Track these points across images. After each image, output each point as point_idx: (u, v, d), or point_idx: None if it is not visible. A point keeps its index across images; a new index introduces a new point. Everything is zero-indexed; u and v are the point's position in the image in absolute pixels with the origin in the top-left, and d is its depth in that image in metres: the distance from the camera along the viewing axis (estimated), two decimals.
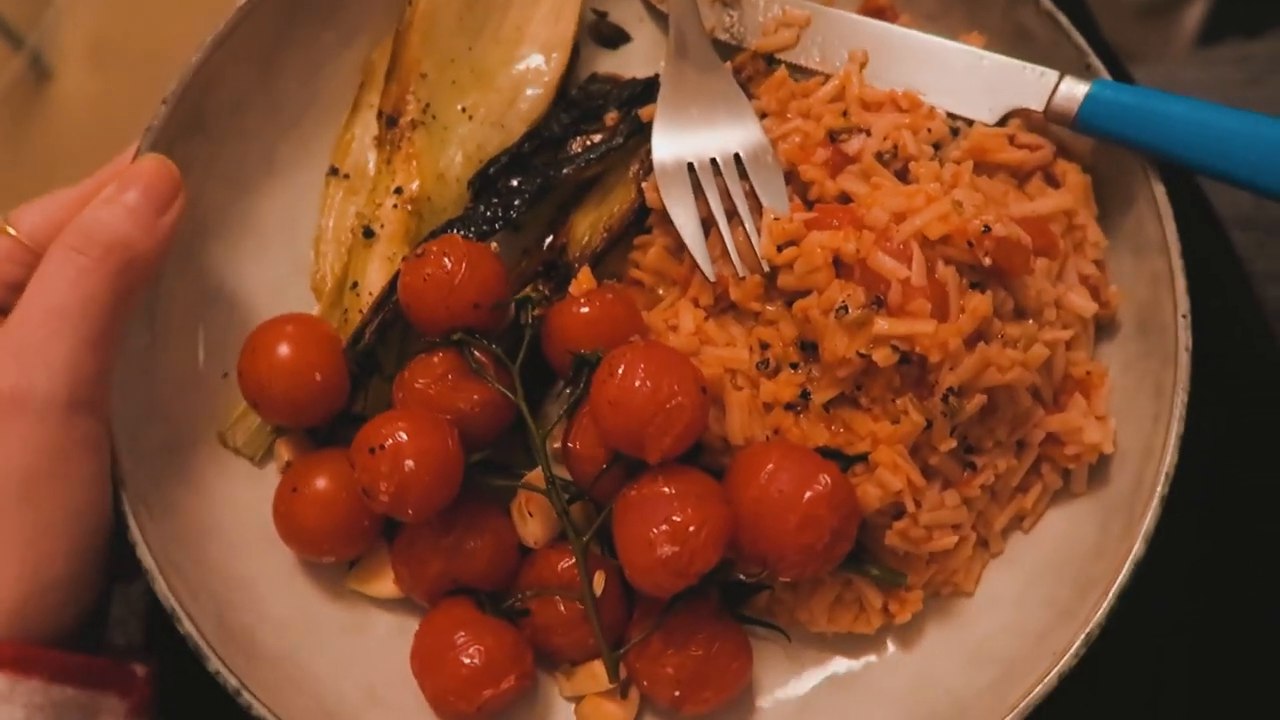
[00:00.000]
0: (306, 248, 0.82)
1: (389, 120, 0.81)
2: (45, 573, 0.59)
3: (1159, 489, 0.66)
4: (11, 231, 0.69)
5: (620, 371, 0.64)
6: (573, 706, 0.73)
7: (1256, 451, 0.86)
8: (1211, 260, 0.91)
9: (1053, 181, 0.76)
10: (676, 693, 0.68)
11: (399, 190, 0.80)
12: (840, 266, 0.69)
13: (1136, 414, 0.72)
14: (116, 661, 0.62)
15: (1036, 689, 0.64)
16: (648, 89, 0.82)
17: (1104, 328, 0.76)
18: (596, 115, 0.83)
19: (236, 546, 0.73)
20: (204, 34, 0.75)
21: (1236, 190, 0.70)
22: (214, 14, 0.77)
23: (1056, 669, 0.64)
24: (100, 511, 0.64)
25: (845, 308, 0.66)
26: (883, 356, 0.65)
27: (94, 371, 0.64)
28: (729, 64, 0.81)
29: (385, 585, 0.74)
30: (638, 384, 0.64)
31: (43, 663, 0.58)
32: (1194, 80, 1.15)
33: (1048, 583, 0.72)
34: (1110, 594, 0.65)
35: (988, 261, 0.65)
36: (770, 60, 0.82)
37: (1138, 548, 0.66)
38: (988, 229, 0.65)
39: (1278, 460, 0.86)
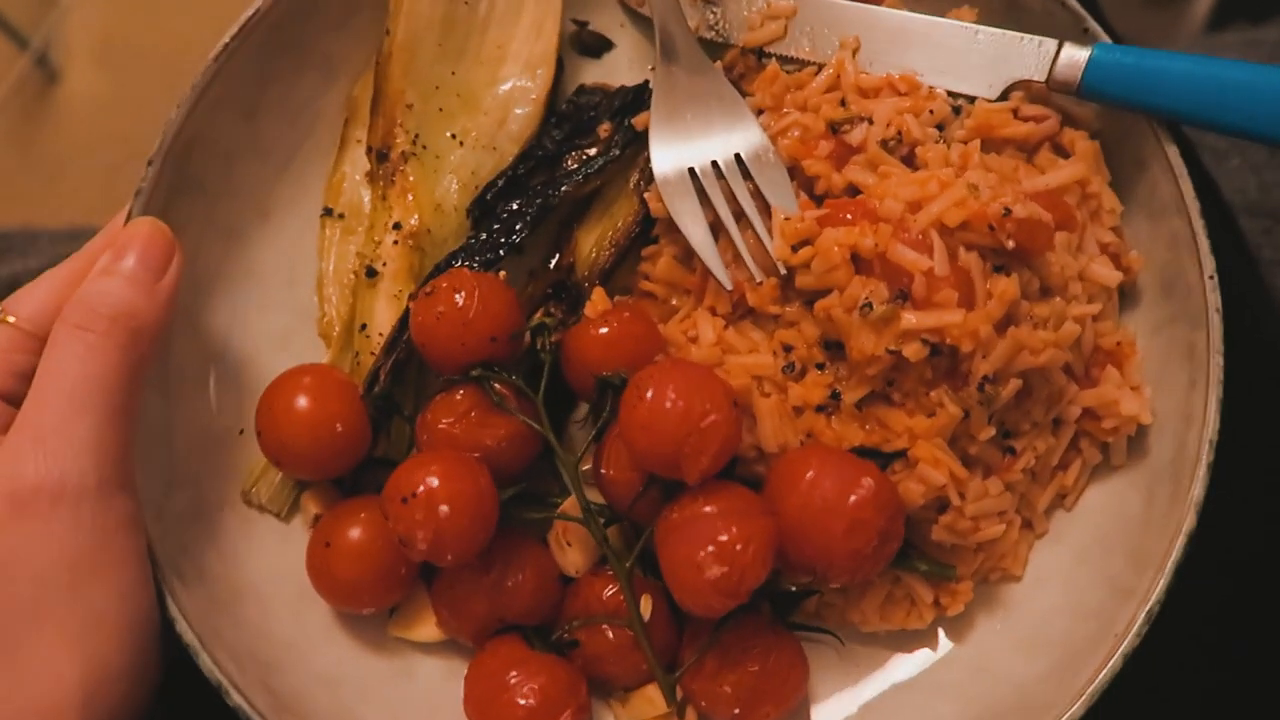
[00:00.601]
0: (309, 293, 0.80)
1: (379, 155, 0.80)
2: (105, 666, 0.58)
3: (1204, 457, 0.66)
4: (11, 319, 0.67)
5: (650, 394, 0.63)
6: None
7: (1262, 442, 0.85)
8: (1219, 247, 0.90)
9: (1061, 151, 0.74)
10: (736, 711, 0.67)
11: (398, 225, 0.78)
12: (859, 262, 0.67)
13: (1170, 380, 0.71)
14: None
15: (1102, 673, 0.63)
16: (638, 96, 0.81)
17: (1127, 294, 0.75)
18: (589, 128, 0.81)
19: (273, 607, 0.72)
20: (199, 58, 0.73)
21: (1243, 177, 0.69)
22: (221, 15, 0.76)
23: (1121, 650, 0.63)
24: (148, 590, 0.63)
25: (869, 304, 0.65)
26: (913, 351, 0.64)
27: (119, 447, 0.62)
28: (718, 63, 0.79)
29: (428, 629, 0.73)
30: (669, 405, 0.63)
31: None
32: None
33: (1096, 559, 0.71)
34: (1167, 569, 0.64)
35: (1011, 244, 0.64)
36: (760, 55, 0.80)
37: (1189, 518, 0.65)
38: (1008, 211, 0.63)
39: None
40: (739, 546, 0.62)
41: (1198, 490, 0.65)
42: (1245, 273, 0.90)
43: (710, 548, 0.62)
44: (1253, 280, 0.91)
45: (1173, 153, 0.71)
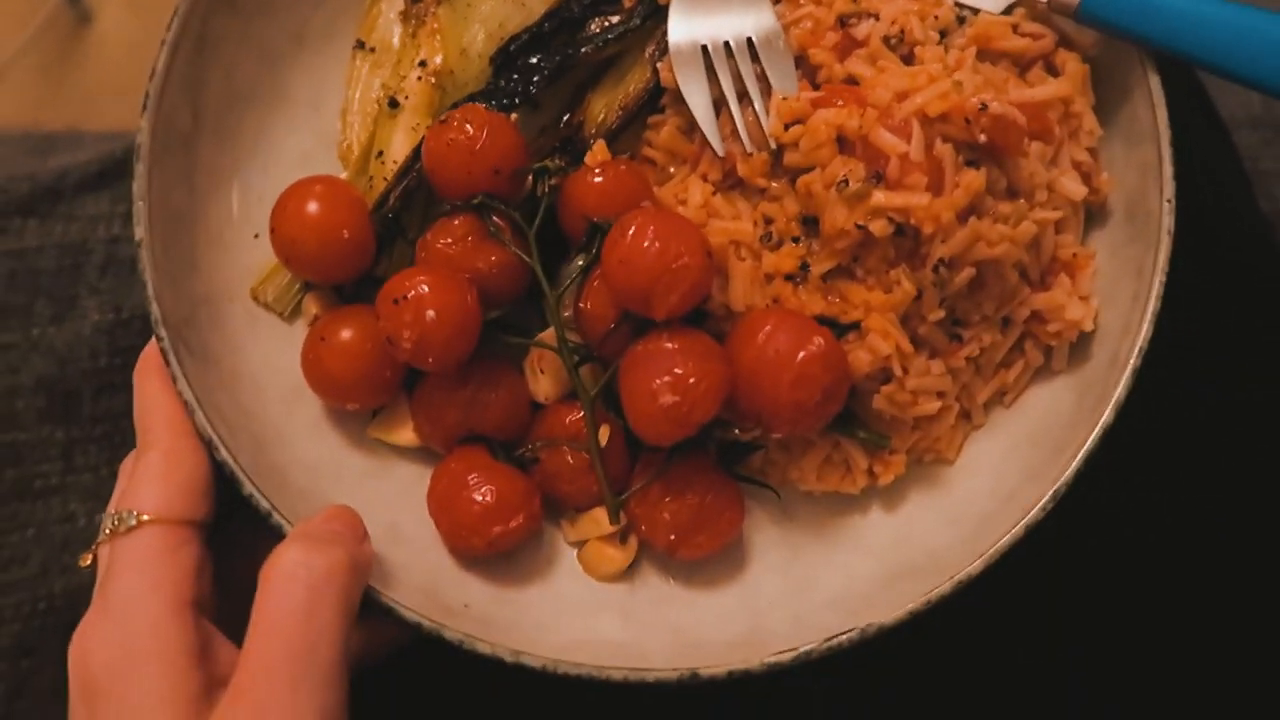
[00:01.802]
0: (334, 120, 0.85)
1: None
2: None
3: (1132, 360, 0.71)
4: (146, 517, 0.63)
5: (631, 232, 0.69)
6: (575, 551, 0.78)
7: (1237, 357, 0.90)
8: (1214, 163, 0.94)
9: (1053, 71, 0.78)
10: (672, 536, 0.73)
11: (423, 64, 0.83)
12: (844, 144, 0.72)
13: (1118, 296, 0.75)
14: None
15: (1003, 539, 0.69)
16: None
17: (1095, 216, 0.80)
18: None
19: (268, 395, 0.78)
20: None
21: (1248, 90, 0.73)
22: None
23: (1024, 520, 0.69)
24: None
25: (846, 181, 0.70)
26: (879, 227, 0.69)
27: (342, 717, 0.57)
28: None
29: (405, 434, 0.79)
30: (647, 244, 0.68)
31: None
32: None
33: (1024, 452, 0.76)
34: (1079, 456, 0.70)
35: (983, 138, 0.69)
36: None
37: (1108, 415, 0.70)
38: (984, 107, 0.68)
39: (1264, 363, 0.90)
40: (692, 380, 0.68)
41: (1120, 391, 0.70)
42: (1240, 186, 0.93)
43: (666, 378, 0.68)
44: (1246, 196, 0.94)
45: (1155, 82, 0.75)
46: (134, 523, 0.63)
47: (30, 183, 0.96)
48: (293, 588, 0.58)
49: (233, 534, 0.69)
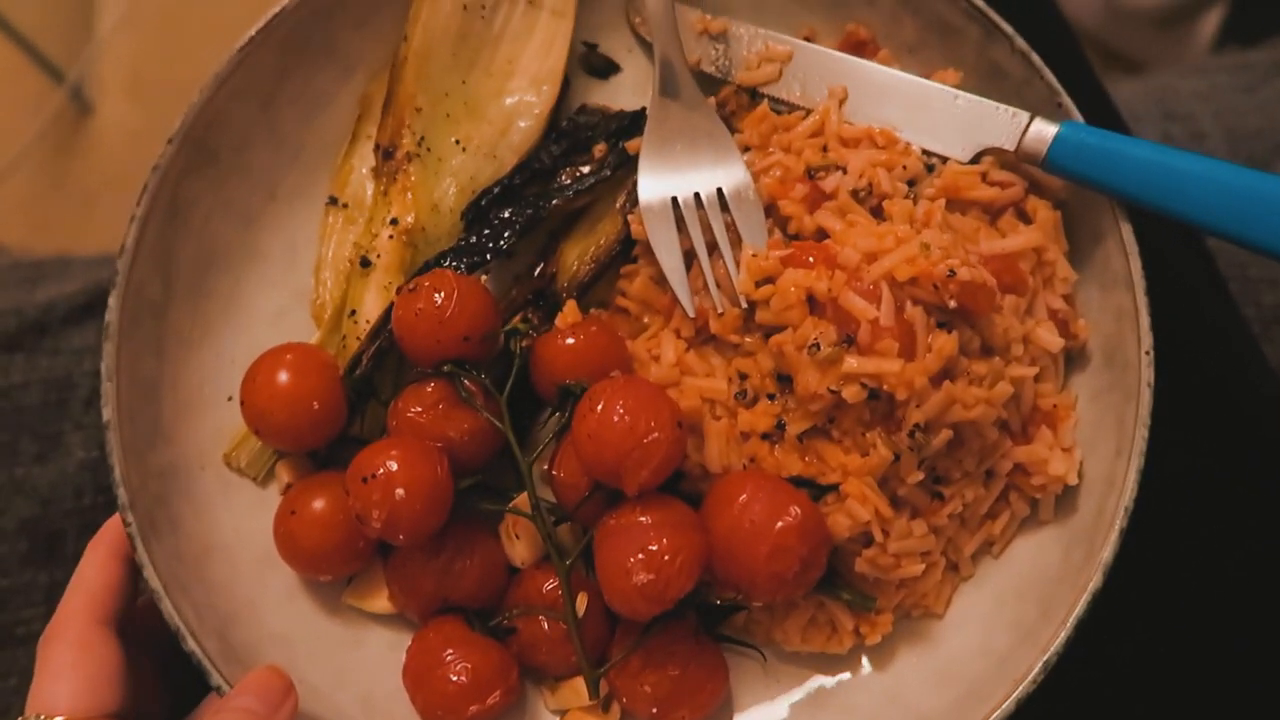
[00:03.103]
0: (307, 275, 0.85)
1: (385, 153, 0.84)
2: None
3: (1118, 523, 0.69)
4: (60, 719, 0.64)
5: (600, 407, 0.68)
6: (557, 719, 0.76)
7: (1233, 471, 0.88)
8: (1200, 293, 0.93)
9: (1024, 217, 0.78)
10: (654, 709, 0.71)
11: (394, 221, 0.83)
12: (814, 303, 0.71)
13: (1101, 445, 0.74)
14: None
15: (995, 713, 0.67)
16: (635, 121, 0.85)
17: (1075, 358, 0.79)
18: (585, 147, 0.86)
19: (240, 565, 0.77)
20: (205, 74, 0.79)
21: None
22: None
23: (1015, 694, 0.67)
24: None
25: (818, 345, 0.69)
26: (852, 393, 0.68)
27: None
28: (713, 99, 0.84)
29: (380, 602, 0.77)
30: (616, 419, 0.67)
31: None
32: (1191, 90, 1.17)
33: (1012, 605, 0.75)
34: (1069, 623, 0.68)
35: (953, 304, 0.68)
36: (753, 94, 0.85)
37: (1096, 579, 0.68)
38: (953, 273, 0.67)
39: (1250, 484, 0.88)
40: (667, 556, 0.66)
41: (1107, 553, 0.69)
42: (1219, 301, 0.92)
43: (640, 555, 0.66)
44: (1228, 308, 0.93)
45: (1126, 230, 0.74)
46: None
47: (17, 317, 0.96)
48: None
49: None
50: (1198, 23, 1.79)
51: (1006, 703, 0.67)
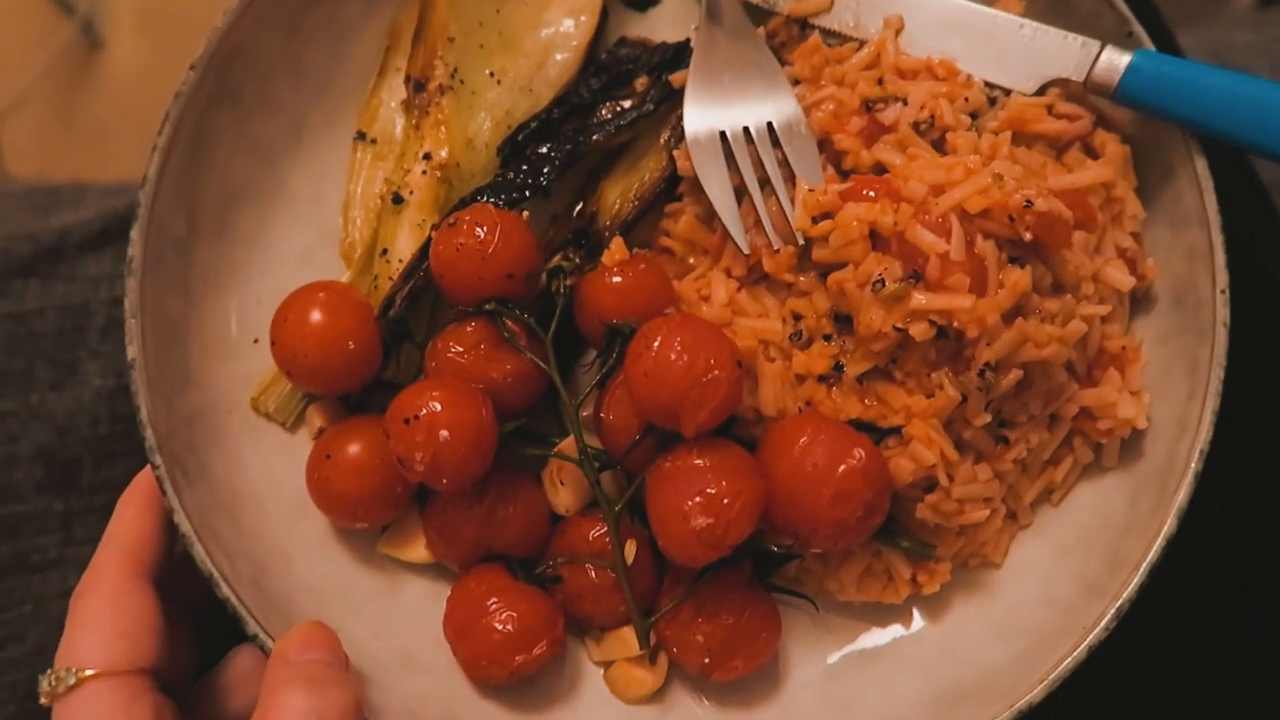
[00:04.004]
0: (335, 214, 0.81)
1: (416, 85, 0.81)
2: None
3: (1193, 465, 0.67)
4: (90, 672, 0.60)
5: (656, 345, 0.64)
6: (601, 671, 0.74)
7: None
8: (1255, 232, 0.90)
9: (1091, 152, 0.75)
10: (706, 660, 0.69)
11: (428, 156, 0.79)
12: (876, 239, 0.68)
13: (1171, 389, 0.71)
14: None
15: (1065, 662, 0.64)
16: (678, 54, 0.81)
17: (1139, 301, 0.76)
18: (626, 80, 0.82)
19: (271, 513, 0.74)
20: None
21: None
22: None
23: (1086, 642, 0.65)
24: None
25: (882, 281, 0.66)
26: (920, 331, 0.65)
27: None
28: (761, 30, 0.80)
29: (418, 551, 0.75)
30: (674, 357, 0.64)
31: None
32: (1246, 42, 1.13)
33: (1076, 556, 0.72)
34: (1142, 569, 0.66)
35: (1028, 237, 0.65)
36: (803, 25, 0.81)
37: (1170, 523, 0.66)
38: (1029, 204, 0.64)
39: None
40: (726, 500, 0.63)
41: (1182, 496, 0.66)
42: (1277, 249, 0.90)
43: (698, 498, 0.63)
44: None
45: (1201, 165, 0.71)
46: (73, 681, 0.59)
47: (32, 243, 0.93)
48: None
49: None
50: None
51: (1077, 651, 0.64)
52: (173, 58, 0.76)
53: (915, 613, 0.75)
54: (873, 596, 0.73)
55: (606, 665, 0.74)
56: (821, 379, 0.70)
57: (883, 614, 0.75)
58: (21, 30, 1.93)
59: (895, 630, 0.74)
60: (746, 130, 0.75)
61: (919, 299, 0.65)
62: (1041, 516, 0.75)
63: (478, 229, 0.70)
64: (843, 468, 0.64)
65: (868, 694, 0.71)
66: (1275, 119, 0.68)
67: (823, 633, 0.75)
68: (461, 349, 0.71)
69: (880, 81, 0.76)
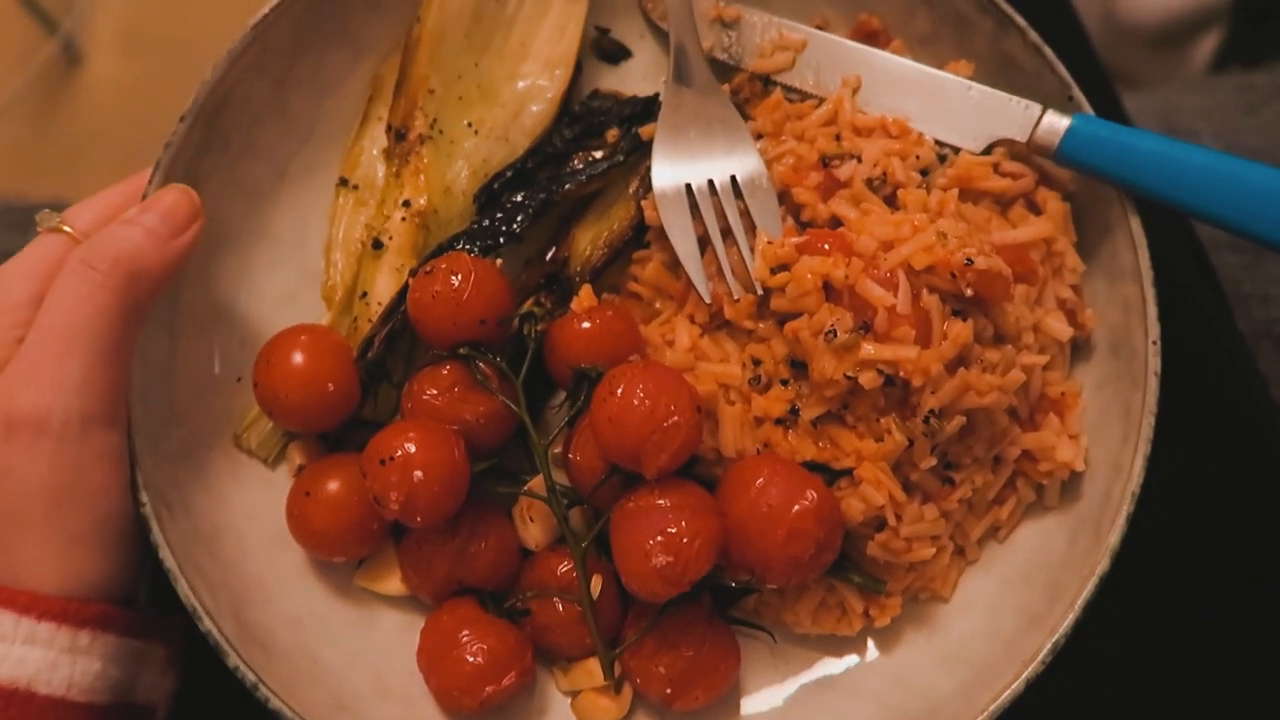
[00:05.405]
0: (317, 257, 0.85)
1: (398, 134, 0.84)
2: (80, 577, 0.63)
3: (1125, 507, 0.71)
4: (68, 229, 0.72)
5: (620, 391, 0.68)
6: (569, 700, 0.77)
7: (1228, 475, 0.90)
8: (1191, 287, 0.95)
9: (1034, 208, 0.79)
10: (668, 690, 0.72)
11: (407, 203, 0.83)
12: (830, 290, 0.72)
13: (1107, 433, 0.76)
14: (162, 615, 0.68)
15: (1004, 694, 0.68)
16: (647, 107, 0.85)
17: (1080, 348, 0.80)
18: (598, 131, 0.86)
19: (251, 546, 0.77)
20: (220, 49, 0.78)
21: None
22: (241, 7, 0.79)
23: (1024, 675, 0.68)
24: (125, 515, 0.67)
25: (834, 331, 0.70)
26: (868, 379, 0.69)
27: (107, 386, 0.66)
28: (727, 86, 0.84)
29: (393, 583, 0.77)
30: (636, 403, 0.67)
31: (117, 619, 0.64)
32: (1194, 106, 1.19)
33: (1018, 590, 0.76)
34: (1077, 605, 0.69)
35: (969, 292, 0.69)
36: (766, 82, 0.85)
37: (1103, 563, 0.70)
38: (970, 261, 0.68)
39: (1243, 488, 0.89)
40: (686, 540, 0.67)
41: (1114, 537, 0.70)
42: (1217, 310, 0.94)
43: (659, 537, 0.67)
44: (1225, 319, 0.95)
45: (1135, 224, 0.76)
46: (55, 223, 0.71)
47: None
48: (82, 270, 0.67)
49: None
50: (1195, 45, 1.80)
51: (1016, 683, 0.68)
52: (152, 75, 0.79)
53: (869, 643, 0.78)
54: (828, 629, 0.77)
55: (573, 694, 0.77)
56: (779, 422, 0.74)
57: (838, 645, 0.78)
58: (1, 47, 1.96)
59: (850, 660, 0.78)
60: (711, 183, 0.79)
61: (868, 349, 0.69)
62: (988, 553, 0.79)
63: (453, 277, 0.74)
64: (796, 508, 0.68)
65: None
66: (1201, 181, 0.72)
67: (780, 663, 0.78)
68: (436, 391, 0.74)
69: (838, 138, 0.80)
